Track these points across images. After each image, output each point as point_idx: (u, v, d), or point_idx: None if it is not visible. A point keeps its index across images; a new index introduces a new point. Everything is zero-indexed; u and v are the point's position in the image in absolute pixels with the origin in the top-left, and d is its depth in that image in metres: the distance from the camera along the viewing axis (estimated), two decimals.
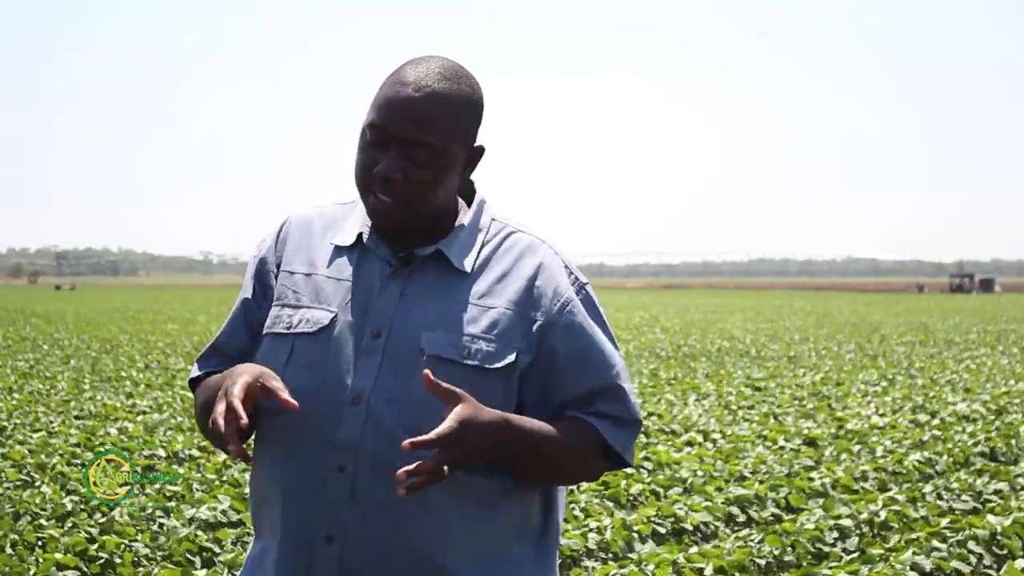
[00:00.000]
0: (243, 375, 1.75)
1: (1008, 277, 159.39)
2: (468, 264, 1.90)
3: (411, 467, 1.66)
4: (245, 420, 1.67)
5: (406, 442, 1.66)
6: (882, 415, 10.71)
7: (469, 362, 1.82)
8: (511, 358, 1.84)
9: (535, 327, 1.87)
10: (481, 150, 1.94)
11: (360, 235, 1.93)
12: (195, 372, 2.00)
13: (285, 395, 1.74)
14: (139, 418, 9.87)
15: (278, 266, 1.97)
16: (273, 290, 1.96)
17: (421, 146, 1.83)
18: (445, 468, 1.67)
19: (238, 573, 2.26)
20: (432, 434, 1.66)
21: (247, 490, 4.16)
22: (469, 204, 1.97)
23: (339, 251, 1.94)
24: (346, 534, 1.81)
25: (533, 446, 1.81)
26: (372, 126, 1.85)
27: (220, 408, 1.70)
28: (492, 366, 1.83)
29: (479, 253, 1.92)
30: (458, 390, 1.72)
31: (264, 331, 1.93)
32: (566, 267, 1.94)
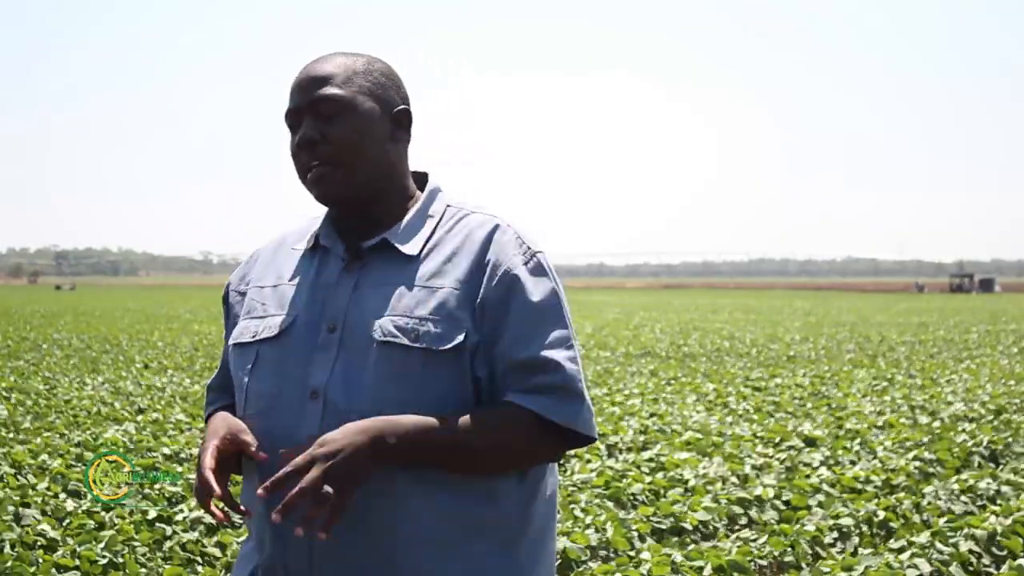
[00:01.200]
0: (214, 438, 1.86)
1: (1008, 277, 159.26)
2: (415, 248, 1.91)
3: (287, 499, 1.69)
4: (218, 491, 1.80)
5: (260, 489, 1.73)
6: (881, 414, 10.71)
7: (418, 345, 1.82)
8: (460, 338, 1.83)
9: (476, 302, 1.86)
10: (406, 113, 1.97)
11: (317, 237, 1.98)
12: (206, 412, 2.11)
13: (253, 449, 1.85)
14: (139, 418, 9.88)
15: (248, 284, 2.05)
16: (238, 307, 2.04)
17: (327, 101, 1.89)
18: (327, 488, 1.69)
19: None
20: (287, 467, 1.73)
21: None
22: None
23: (303, 257, 2.00)
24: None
25: (436, 437, 1.78)
26: (286, 114, 1.94)
27: (197, 483, 1.82)
28: (441, 348, 1.82)
29: (429, 237, 1.93)
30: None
31: (231, 342, 2.00)
32: (518, 238, 1.92)
